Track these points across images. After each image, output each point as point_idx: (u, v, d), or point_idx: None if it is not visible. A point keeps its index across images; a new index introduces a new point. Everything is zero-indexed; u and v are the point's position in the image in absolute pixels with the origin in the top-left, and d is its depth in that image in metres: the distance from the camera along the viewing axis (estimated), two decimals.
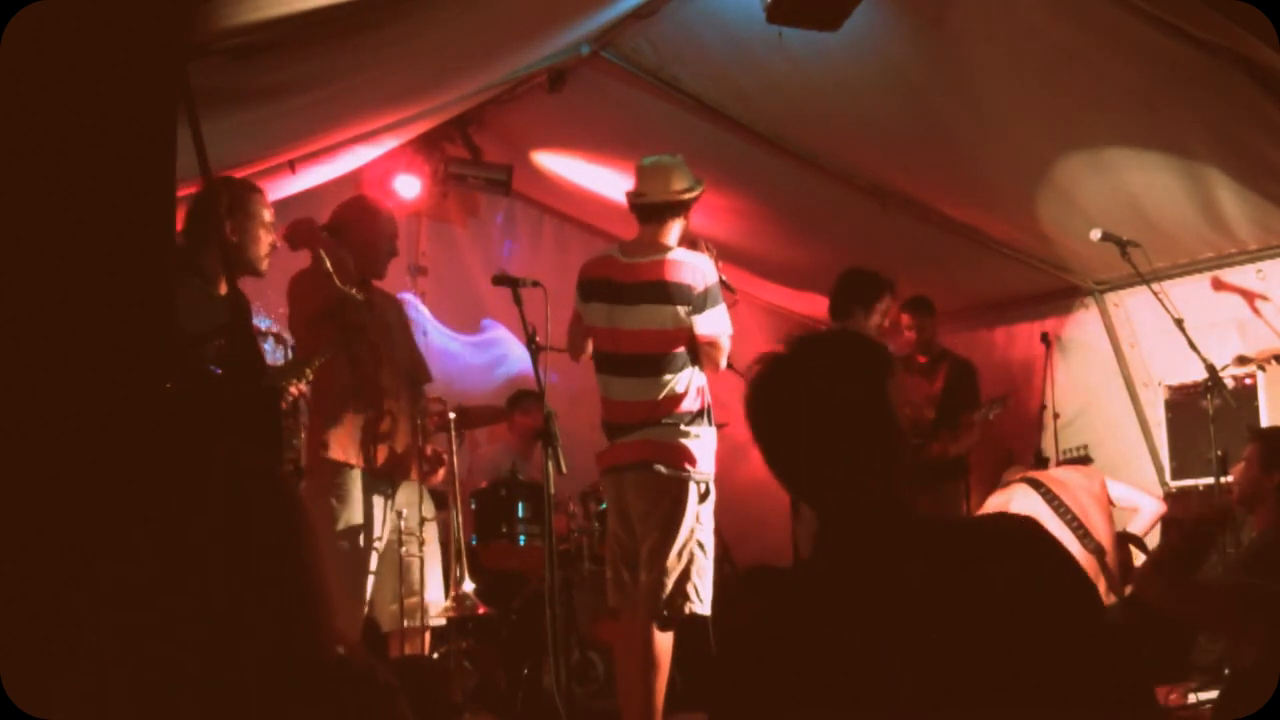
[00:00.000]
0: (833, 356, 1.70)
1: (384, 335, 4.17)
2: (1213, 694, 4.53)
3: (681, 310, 4.08)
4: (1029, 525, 1.62)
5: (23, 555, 1.99)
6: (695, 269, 4.11)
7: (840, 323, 5.29)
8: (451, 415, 4.33)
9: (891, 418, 1.68)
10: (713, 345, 4.15)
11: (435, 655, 4.42)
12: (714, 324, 4.13)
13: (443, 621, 4.24)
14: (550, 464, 4.08)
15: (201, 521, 1.56)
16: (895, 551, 1.61)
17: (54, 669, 1.56)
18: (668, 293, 4.09)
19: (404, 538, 4.06)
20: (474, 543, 5.55)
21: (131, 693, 1.46)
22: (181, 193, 2.95)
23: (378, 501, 4.05)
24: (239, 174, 4.21)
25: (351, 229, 4.14)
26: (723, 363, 4.20)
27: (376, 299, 4.23)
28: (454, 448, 4.31)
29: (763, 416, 1.71)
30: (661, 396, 4.09)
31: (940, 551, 1.60)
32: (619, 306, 4.19)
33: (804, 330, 1.77)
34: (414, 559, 4.08)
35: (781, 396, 1.70)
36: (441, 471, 4.25)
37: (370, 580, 3.99)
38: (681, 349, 4.12)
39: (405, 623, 4.05)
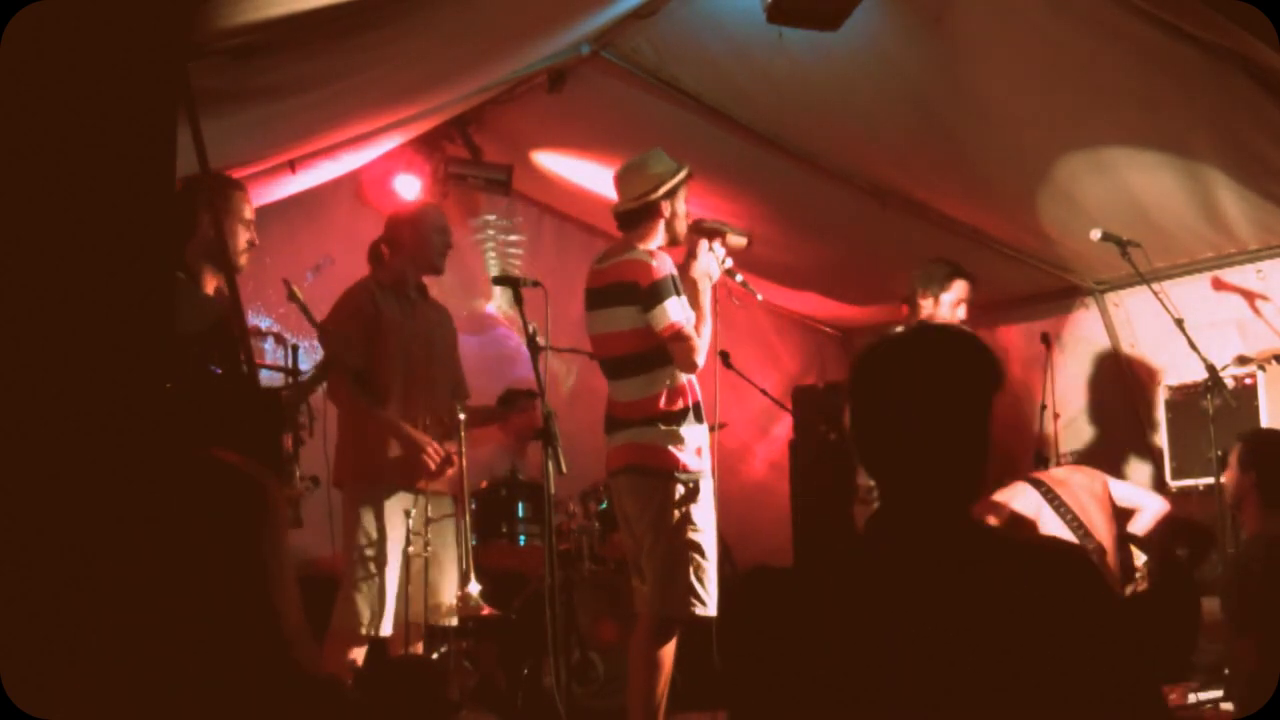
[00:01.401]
0: (953, 356, 1.72)
1: (424, 347, 4.27)
2: (1214, 694, 4.53)
3: (634, 309, 4.04)
4: (1079, 556, 1.66)
5: (23, 555, 1.99)
6: (643, 265, 4.03)
7: (911, 314, 5.17)
8: (461, 416, 4.37)
9: (986, 432, 1.70)
10: (676, 337, 3.99)
11: (435, 655, 4.43)
12: (669, 316, 3.98)
13: (454, 622, 4.29)
14: (550, 464, 4.08)
15: (196, 522, 1.56)
16: (947, 556, 1.64)
17: (54, 669, 1.56)
18: (619, 294, 4.07)
19: (412, 537, 4.16)
20: (474, 543, 5.55)
21: (131, 693, 1.46)
22: None
23: (399, 508, 4.17)
24: (239, 174, 4.23)
25: (401, 230, 4.37)
26: (697, 359, 4.02)
27: (423, 310, 4.35)
28: (464, 449, 4.35)
29: (863, 393, 1.74)
30: (639, 398, 4.08)
31: (989, 566, 1.62)
32: (589, 312, 4.23)
33: (933, 324, 1.79)
34: (421, 559, 4.16)
35: (890, 380, 1.72)
36: (450, 472, 4.30)
37: (392, 583, 4.08)
38: (648, 349, 4.05)
39: (416, 621, 4.16)
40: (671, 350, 4.02)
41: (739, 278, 4.38)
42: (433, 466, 4.14)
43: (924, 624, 1.56)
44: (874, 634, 1.58)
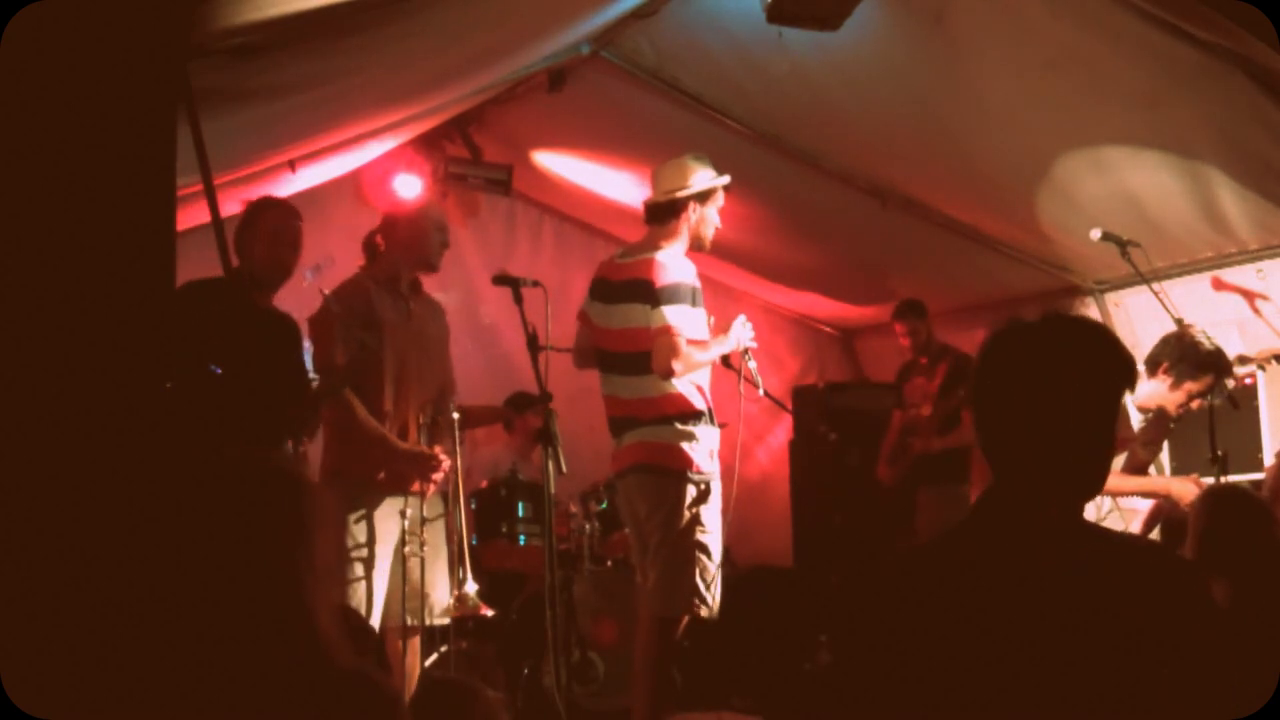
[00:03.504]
0: (1088, 349, 1.70)
1: (419, 348, 4.23)
2: None
3: (649, 306, 4.05)
4: (1180, 562, 1.68)
5: (23, 555, 1.99)
6: (664, 266, 4.05)
7: (1146, 378, 4.44)
8: (455, 415, 4.35)
9: (1112, 429, 1.69)
10: (663, 332, 3.98)
11: (436, 655, 4.42)
12: (667, 317, 4.00)
13: (447, 621, 4.28)
14: (550, 464, 4.08)
15: (201, 521, 1.56)
16: (1053, 550, 1.63)
17: (54, 669, 1.56)
18: (638, 290, 4.09)
19: (407, 538, 4.11)
20: (474, 543, 5.55)
21: (131, 693, 1.46)
22: (183, 192, 2.96)
23: (386, 508, 4.12)
24: (239, 174, 4.23)
25: (397, 224, 4.30)
26: (674, 364, 3.99)
27: (419, 309, 4.31)
28: (458, 449, 4.33)
29: (991, 376, 1.72)
30: (651, 395, 4.07)
31: (1094, 564, 1.62)
32: (606, 305, 4.24)
33: (1062, 312, 1.75)
34: (416, 559, 4.12)
35: (1021, 366, 1.70)
36: (444, 474, 4.28)
37: (380, 585, 4.04)
38: None
39: (409, 621, 4.11)
40: (654, 345, 4.02)
41: (752, 363, 4.37)
42: (440, 473, 4.12)
43: (1023, 616, 1.57)
44: (971, 619, 1.59)
